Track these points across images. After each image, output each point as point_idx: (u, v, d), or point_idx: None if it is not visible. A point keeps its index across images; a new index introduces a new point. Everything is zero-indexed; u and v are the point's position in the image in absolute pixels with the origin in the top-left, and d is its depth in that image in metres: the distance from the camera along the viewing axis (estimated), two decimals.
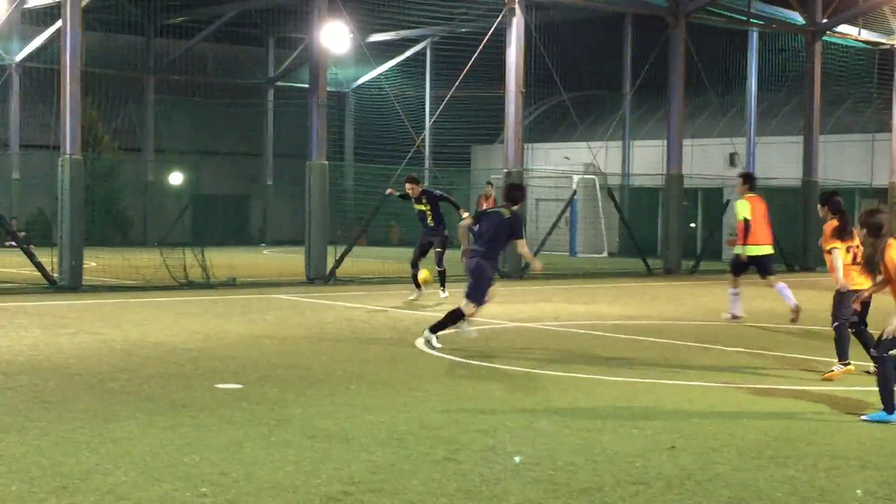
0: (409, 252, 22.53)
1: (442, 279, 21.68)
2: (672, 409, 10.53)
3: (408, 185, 21.64)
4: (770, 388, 11.90)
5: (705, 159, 40.16)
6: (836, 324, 12.65)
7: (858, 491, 7.34)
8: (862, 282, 12.23)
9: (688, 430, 9.51)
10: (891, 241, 10.52)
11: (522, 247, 14.73)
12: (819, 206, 13.95)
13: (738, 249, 18.41)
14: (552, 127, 47.75)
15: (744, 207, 18.24)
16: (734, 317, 18.56)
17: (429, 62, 48.10)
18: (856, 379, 12.47)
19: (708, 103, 41.76)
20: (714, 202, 40.09)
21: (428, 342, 14.55)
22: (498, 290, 21.97)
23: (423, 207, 21.53)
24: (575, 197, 38.67)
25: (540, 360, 13.74)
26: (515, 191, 14.80)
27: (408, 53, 48.45)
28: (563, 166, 43.39)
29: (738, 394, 11.54)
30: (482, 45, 30.23)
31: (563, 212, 32.96)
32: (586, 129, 43.94)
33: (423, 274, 20.75)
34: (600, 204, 42.15)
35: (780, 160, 39.08)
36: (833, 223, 13.21)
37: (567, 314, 19.57)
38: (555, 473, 7.87)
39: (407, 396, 10.99)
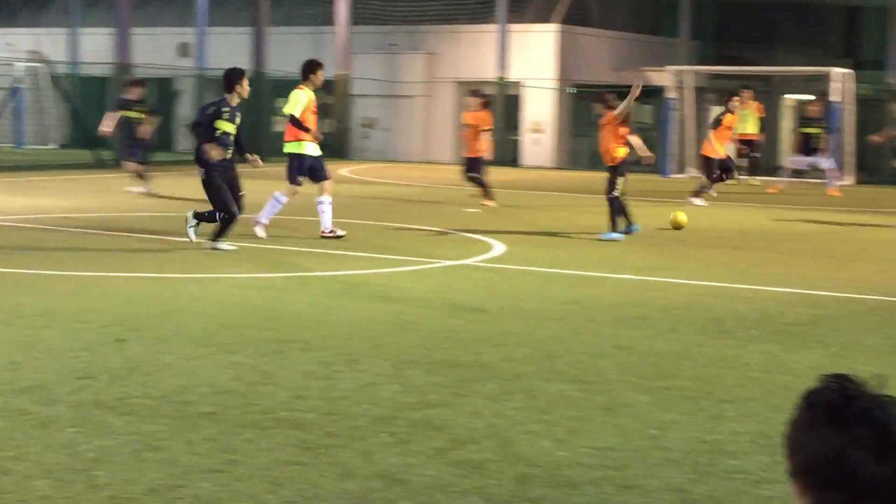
0: None
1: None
2: (121, 301, 10.38)
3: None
4: (220, 278, 12.03)
5: (155, 49, 39.54)
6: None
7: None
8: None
9: (136, 322, 9.42)
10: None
11: None
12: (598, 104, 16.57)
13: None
14: None
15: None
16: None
17: None
18: (311, 263, 12.87)
19: None
20: (165, 92, 39.68)
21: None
22: None
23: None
24: (19, 85, 36.90)
25: None
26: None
27: None
28: (5, 53, 41.14)
29: (188, 284, 11.58)
30: None
31: (5, 101, 31.33)
32: (31, 14, 41.88)
33: None
34: (47, 93, 40.50)
35: (230, 51, 39.23)
36: (612, 114, 15.99)
37: (11, 208, 18.73)
38: None
39: None
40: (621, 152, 16.18)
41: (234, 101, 14.04)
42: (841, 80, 29.79)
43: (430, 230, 16.98)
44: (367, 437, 6.39)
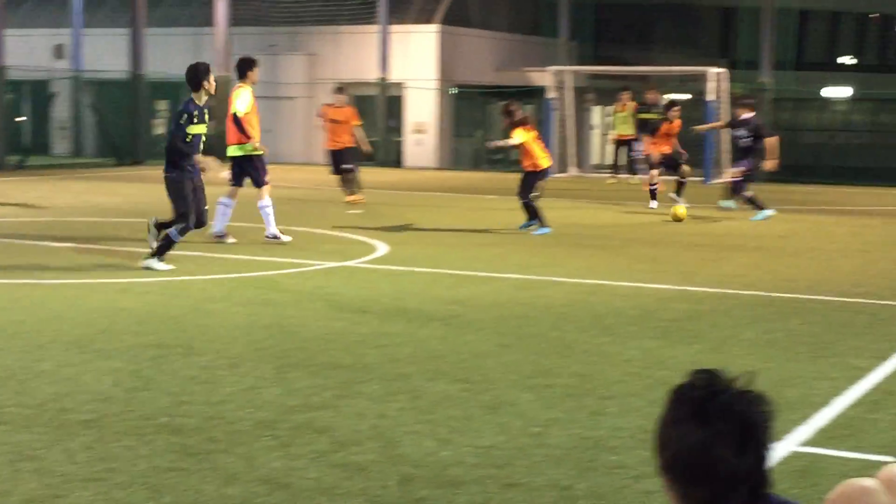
0: None
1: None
2: None
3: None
4: (99, 283, 11.84)
5: (29, 50, 38.77)
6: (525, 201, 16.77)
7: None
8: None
9: (12, 329, 9.22)
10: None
11: None
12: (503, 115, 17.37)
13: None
14: None
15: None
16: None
17: None
18: (192, 267, 12.72)
19: None
20: (40, 95, 38.91)
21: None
22: None
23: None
24: None
25: None
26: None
27: None
28: None
29: (66, 289, 11.36)
30: None
31: None
32: None
33: None
34: None
35: (108, 53, 38.64)
36: (528, 128, 16.95)
37: None
38: None
39: None
40: (544, 162, 16.96)
41: (202, 98, 12.92)
42: (716, 79, 30.35)
43: (313, 232, 16.90)
44: (250, 441, 6.34)
